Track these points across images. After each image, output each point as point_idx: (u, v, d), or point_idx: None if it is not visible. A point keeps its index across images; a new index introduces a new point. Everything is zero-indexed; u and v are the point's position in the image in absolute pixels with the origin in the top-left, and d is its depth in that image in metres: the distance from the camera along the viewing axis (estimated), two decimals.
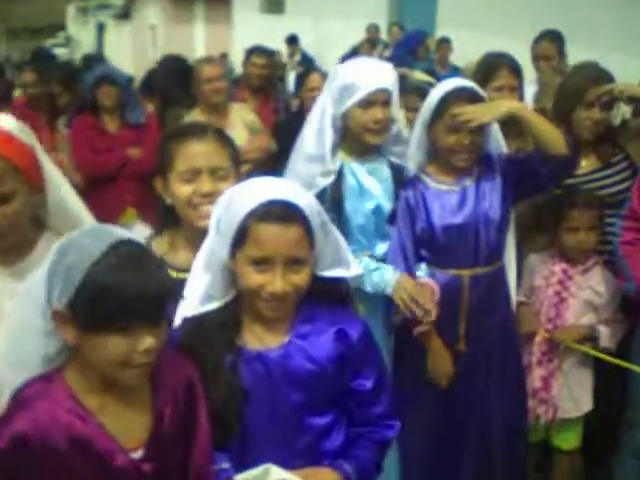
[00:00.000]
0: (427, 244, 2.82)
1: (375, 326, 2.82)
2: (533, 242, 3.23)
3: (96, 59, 6.70)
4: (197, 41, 24.42)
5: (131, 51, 30.06)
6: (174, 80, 5.19)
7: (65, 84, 5.18)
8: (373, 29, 10.80)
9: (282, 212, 1.66)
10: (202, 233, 1.86)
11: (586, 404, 3.06)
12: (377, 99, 2.70)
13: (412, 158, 2.90)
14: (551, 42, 4.59)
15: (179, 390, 1.63)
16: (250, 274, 1.70)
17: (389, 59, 9.48)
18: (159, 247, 2.10)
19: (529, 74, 4.55)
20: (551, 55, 4.55)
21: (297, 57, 12.19)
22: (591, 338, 2.97)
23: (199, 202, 2.03)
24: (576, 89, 3.05)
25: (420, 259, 2.84)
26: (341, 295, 1.92)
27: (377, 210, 2.85)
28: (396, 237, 2.82)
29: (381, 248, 2.89)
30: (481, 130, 2.71)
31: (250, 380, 1.76)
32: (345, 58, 10.78)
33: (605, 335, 2.95)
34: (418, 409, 2.87)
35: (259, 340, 1.79)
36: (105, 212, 4.66)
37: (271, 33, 13.59)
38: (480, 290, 2.80)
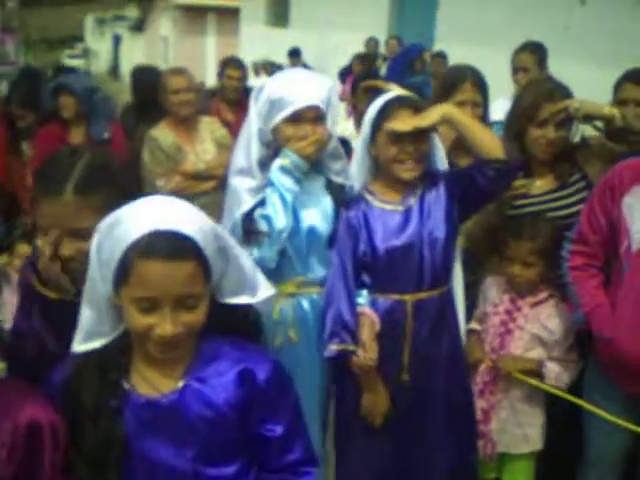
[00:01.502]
0: (369, 267, 2.65)
1: (311, 353, 2.73)
2: (489, 264, 3.04)
3: (66, 70, 6.51)
4: (208, 52, 24.55)
5: (144, 61, 30.33)
6: (147, 92, 5.05)
7: (26, 105, 4.96)
8: (372, 43, 10.69)
9: (170, 246, 1.46)
10: None
11: (536, 441, 2.84)
12: (306, 115, 2.55)
13: (355, 177, 2.75)
14: (530, 54, 4.44)
15: (18, 434, 1.46)
16: (136, 315, 1.51)
17: (386, 72, 9.47)
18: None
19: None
20: (529, 67, 4.39)
21: None
22: (537, 374, 2.75)
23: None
24: (528, 106, 2.85)
25: (361, 284, 2.67)
26: (248, 325, 1.75)
27: (311, 232, 2.69)
28: (337, 261, 2.65)
29: (318, 272, 2.72)
30: (423, 138, 2.56)
31: (136, 429, 1.59)
32: (342, 73, 10.81)
33: (552, 372, 2.72)
34: (358, 446, 2.71)
35: (150, 384, 1.61)
36: None
37: (276, 45, 13.67)
38: (425, 316, 2.62)
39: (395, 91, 4.99)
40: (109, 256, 1.50)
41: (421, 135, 2.54)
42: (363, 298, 2.63)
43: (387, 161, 2.60)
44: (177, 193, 3.92)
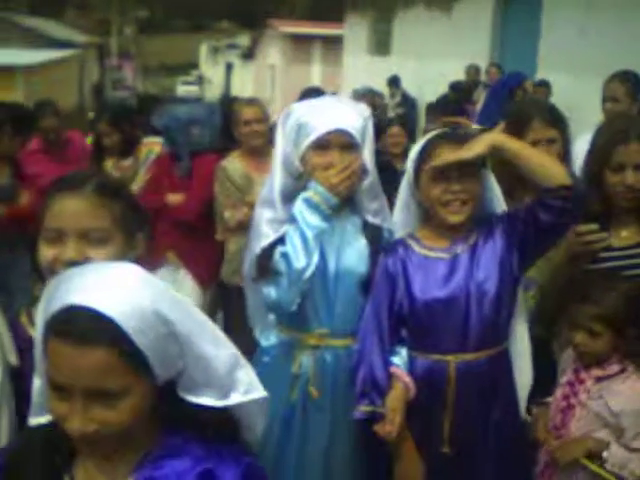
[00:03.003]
0: (407, 321, 2.32)
1: (333, 413, 2.45)
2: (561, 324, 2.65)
3: (149, 102, 6.54)
4: (313, 80, 24.75)
5: (252, 89, 31.03)
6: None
7: (114, 124, 5.01)
8: (472, 70, 10.33)
9: (83, 328, 1.17)
10: None
11: None
12: (334, 142, 2.26)
13: (399, 224, 2.45)
14: (621, 83, 4.05)
15: None
16: (51, 399, 1.24)
17: (485, 100, 9.11)
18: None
19: None
20: (619, 97, 3.99)
21: (397, 98, 11.89)
22: (598, 455, 2.24)
23: (62, 271, 1.64)
24: (601, 148, 2.46)
25: (400, 340, 2.34)
26: (219, 428, 1.37)
27: (340, 276, 2.39)
28: (371, 312, 2.34)
29: (346, 323, 2.42)
30: (471, 175, 2.22)
31: None
32: (439, 101, 10.50)
33: (615, 457, 2.21)
34: None
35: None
36: (152, 253, 4.64)
37: (377, 74, 13.54)
38: (470, 381, 2.26)
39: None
40: (40, 324, 1.26)
41: (468, 171, 2.20)
42: (400, 357, 2.31)
43: (431, 203, 2.27)
44: (244, 224, 3.74)
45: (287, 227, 2.29)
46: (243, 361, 1.38)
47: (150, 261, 4.59)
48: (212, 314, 5.53)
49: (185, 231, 4.49)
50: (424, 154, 2.26)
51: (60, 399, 1.20)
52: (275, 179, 2.37)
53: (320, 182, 2.26)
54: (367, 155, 2.37)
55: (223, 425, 1.36)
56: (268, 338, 2.54)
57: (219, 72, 44.59)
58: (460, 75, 10.44)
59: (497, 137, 2.25)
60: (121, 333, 1.18)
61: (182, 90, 49.54)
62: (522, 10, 10.45)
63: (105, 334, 1.18)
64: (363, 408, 2.27)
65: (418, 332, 2.30)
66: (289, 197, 2.34)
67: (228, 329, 4.52)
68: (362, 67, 15.90)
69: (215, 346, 1.32)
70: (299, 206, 2.27)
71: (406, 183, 2.37)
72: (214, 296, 5.26)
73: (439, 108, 10.13)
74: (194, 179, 4.50)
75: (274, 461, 2.46)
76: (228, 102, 5.67)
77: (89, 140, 5.98)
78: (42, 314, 1.25)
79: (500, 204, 2.37)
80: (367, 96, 12.83)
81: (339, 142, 2.26)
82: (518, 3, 10.64)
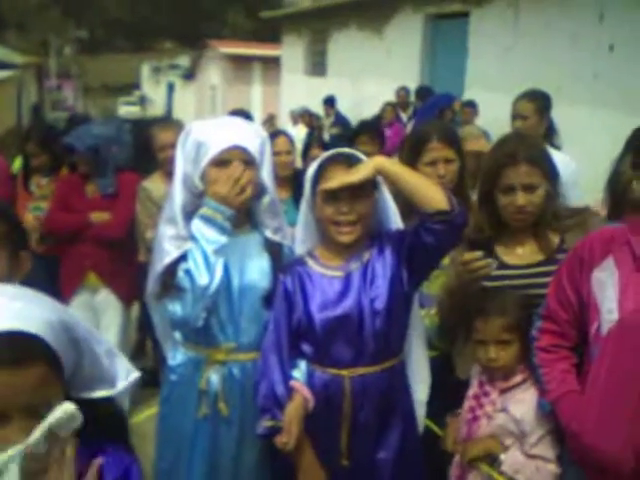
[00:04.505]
0: (306, 337, 2.38)
1: (241, 427, 2.51)
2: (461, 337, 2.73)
3: (78, 121, 6.50)
4: (254, 100, 24.86)
5: (194, 108, 30.93)
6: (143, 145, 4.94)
7: (42, 145, 5.00)
8: (402, 92, 10.54)
9: (11, 351, 1.20)
10: None
11: None
12: (232, 158, 2.33)
13: (300, 240, 2.51)
14: (529, 101, 4.20)
15: None
16: None
17: (415, 121, 9.30)
18: None
19: None
20: (527, 115, 4.14)
21: (332, 118, 12.03)
22: (495, 458, 2.34)
23: None
24: (492, 170, 2.51)
25: (301, 353, 2.41)
26: (110, 421, 1.50)
27: (244, 291, 2.45)
28: (271, 329, 2.40)
29: (251, 336, 2.49)
30: (361, 197, 2.29)
31: None
32: (372, 121, 10.67)
33: (508, 461, 2.30)
34: None
35: None
36: (67, 275, 4.62)
37: (314, 94, 13.67)
38: (366, 394, 2.32)
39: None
40: None
41: (358, 193, 2.27)
42: (299, 370, 2.37)
43: (324, 223, 2.36)
44: None
45: (189, 245, 2.34)
46: (116, 351, 1.52)
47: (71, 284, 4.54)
48: (140, 333, 5.54)
49: (107, 251, 4.48)
50: (318, 175, 2.34)
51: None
52: (176, 197, 2.41)
53: (211, 195, 2.32)
54: (265, 174, 2.44)
55: (114, 420, 1.48)
56: (174, 357, 2.57)
57: (161, 92, 44.27)
58: (392, 96, 10.65)
59: (380, 161, 2.29)
60: (46, 346, 1.24)
61: (124, 110, 49.03)
62: (450, 31, 10.73)
63: (37, 350, 1.23)
64: (265, 423, 2.33)
65: (316, 347, 2.36)
66: (190, 214, 2.38)
67: (157, 348, 4.50)
68: (299, 87, 16.06)
69: (98, 343, 1.45)
70: (196, 224, 2.32)
71: (305, 201, 2.44)
72: (139, 314, 5.27)
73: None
74: (121, 197, 4.51)
75: (185, 476, 2.52)
76: (144, 122, 5.66)
77: (18, 160, 5.93)
78: None
79: (395, 222, 2.44)
80: (304, 116, 12.99)
81: (238, 158, 2.33)
82: (446, 24, 10.92)
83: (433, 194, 2.19)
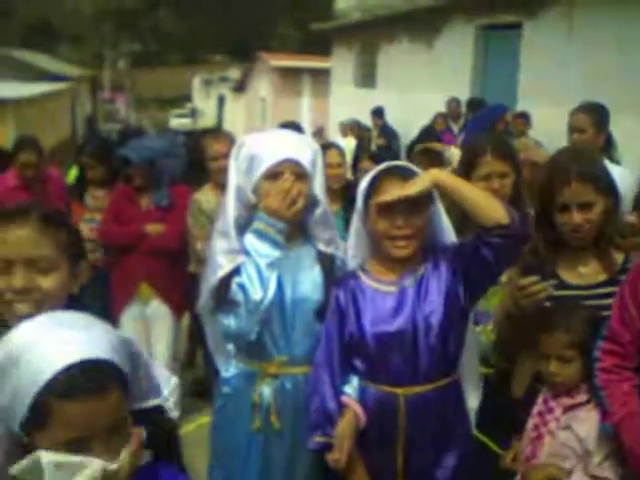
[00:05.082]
0: (358, 352, 2.35)
1: (294, 440, 2.49)
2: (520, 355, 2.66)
3: (131, 133, 6.59)
4: (303, 112, 24.96)
5: (244, 121, 31.24)
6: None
7: (97, 158, 5.09)
8: (454, 103, 10.45)
9: (92, 380, 1.25)
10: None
11: None
12: (285, 171, 2.32)
13: (352, 253, 2.48)
14: (587, 114, 4.10)
15: None
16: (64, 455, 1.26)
17: (466, 132, 9.21)
18: None
19: None
20: (585, 128, 4.05)
21: (378, 129, 12.03)
22: None
23: (12, 299, 1.69)
24: (546, 188, 2.45)
25: (353, 369, 2.38)
26: (162, 430, 1.53)
27: (297, 304, 2.44)
28: (323, 344, 2.38)
29: (304, 349, 2.47)
30: (417, 210, 2.26)
31: None
32: (423, 132, 10.62)
33: None
34: None
35: None
36: (119, 287, 4.68)
37: (363, 105, 13.66)
38: (421, 413, 2.28)
39: (453, 154, 4.74)
40: (11, 401, 1.27)
41: (413, 206, 2.24)
42: (351, 386, 2.34)
43: (378, 236, 2.33)
44: None
45: (243, 258, 2.33)
46: (151, 359, 1.58)
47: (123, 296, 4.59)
48: (191, 343, 5.57)
49: (159, 262, 4.53)
50: (371, 188, 2.31)
51: (76, 450, 1.25)
52: (229, 210, 2.41)
53: (263, 209, 2.32)
54: (317, 186, 2.43)
55: (166, 429, 1.55)
56: (228, 369, 2.58)
57: (211, 104, 44.86)
58: (443, 107, 10.57)
59: (438, 174, 2.27)
60: (117, 368, 1.30)
61: (175, 122, 49.84)
62: (502, 43, 10.60)
63: (112, 374, 1.28)
64: (316, 438, 2.31)
65: (368, 363, 2.33)
66: (244, 228, 2.39)
67: (207, 360, 4.52)
68: (349, 99, 16.04)
69: (147, 357, 1.50)
70: (249, 238, 2.33)
71: (357, 215, 2.42)
72: (190, 324, 5.30)
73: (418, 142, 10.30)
74: (175, 208, 4.55)
75: None
76: (196, 135, 5.73)
77: (73, 171, 6.04)
78: (9, 392, 1.26)
79: (449, 236, 2.41)
80: (353, 128, 12.99)
81: (290, 171, 2.32)
82: (498, 37, 10.79)
83: (492, 207, 2.16)
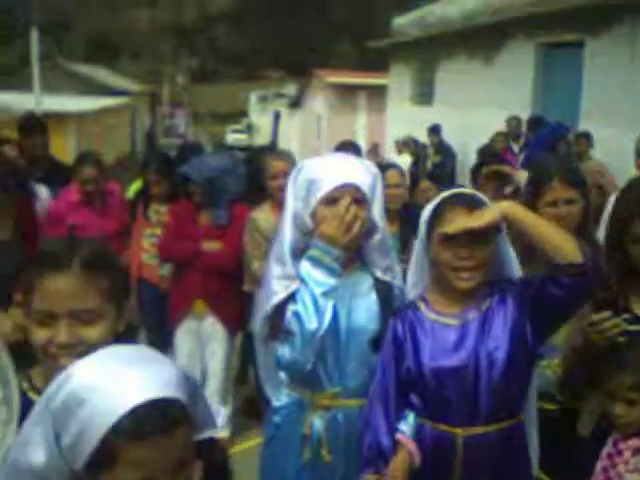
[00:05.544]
0: (416, 388, 2.24)
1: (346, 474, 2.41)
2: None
3: (191, 149, 6.63)
4: (358, 129, 24.95)
5: (299, 137, 31.40)
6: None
7: (162, 174, 5.15)
8: (514, 122, 10.27)
9: (160, 420, 1.22)
10: None
11: None
12: (343, 196, 2.25)
13: (412, 282, 2.39)
14: None
15: None
16: None
17: (526, 152, 9.05)
18: (37, 379, 1.72)
19: None
20: None
21: (434, 146, 11.93)
22: None
23: (56, 353, 1.60)
24: (621, 218, 2.36)
25: (409, 404, 2.28)
26: (217, 461, 1.49)
27: (352, 334, 2.36)
28: (379, 377, 2.28)
29: (358, 381, 2.39)
30: (482, 242, 2.15)
31: None
32: (482, 150, 10.46)
33: None
34: None
35: None
36: (176, 302, 4.70)
37: (419, 123, 13.59)
38: (480, 456, 2.15)
39: (521, 177, 4.59)
40: (76, 441, 1.23)
41: (479, 238, 2.13)
42: (406, 423, 2.23)
43: (441, 268, 2.22)
44: None
45: (298, 285, 2.27)
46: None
47: (179, 311, 4.62)
48: (242, 360, 5.55)
49: (216, 280, 4.53)
50: (435, 217, 2.22)
51: None
52: (285, 235, 2.35)
53: (319, 236, 2.25)
54: (376, 211, 2.35)
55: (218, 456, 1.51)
56: (279, 398, 2.50)
57: (267, 120, 45.25)
58: (502, 125, 10.41)
59: (508, 207, 2.16)
60: (182, 404, 1.27)
61: (231, 138, 50.50)
62: (564, 61, 10.42)
63: (179, 411, 1.26)
64: (368, 476, 2.22)
65: (426, 399, 2.22)
66: (300, 254, 2.32)
67: (259, 378, 4.50)
68: (405, 116, 15.98)
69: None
70: (304, 266, 2.26)
71: (419, 243, 2.33)
72: (242, 345, 5.28)
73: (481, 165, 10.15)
74: (233, 227, 4.55)
75: None
76: (254, 153, 5.74)
77: (134, 186, 6.11)
78: (75, 433, 1.23)
79: (514, 269, 2.30)
80: (409, 145, 12.91)
81: (349, 196, 2.25)
82: (559, 55, 10.61)
83: (565, 245, 2.05)
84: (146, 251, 5.04)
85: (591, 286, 2.12)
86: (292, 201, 2.37)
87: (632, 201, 2.32)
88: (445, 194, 2.25)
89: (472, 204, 2.17)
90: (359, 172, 2.31)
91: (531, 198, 2.76)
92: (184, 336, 4.64)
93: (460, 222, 2.12)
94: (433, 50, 14.59)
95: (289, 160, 4.38)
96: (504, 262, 2.28)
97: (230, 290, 4.57)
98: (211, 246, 4.55)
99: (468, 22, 13.07)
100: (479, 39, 12.49)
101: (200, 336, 4.65)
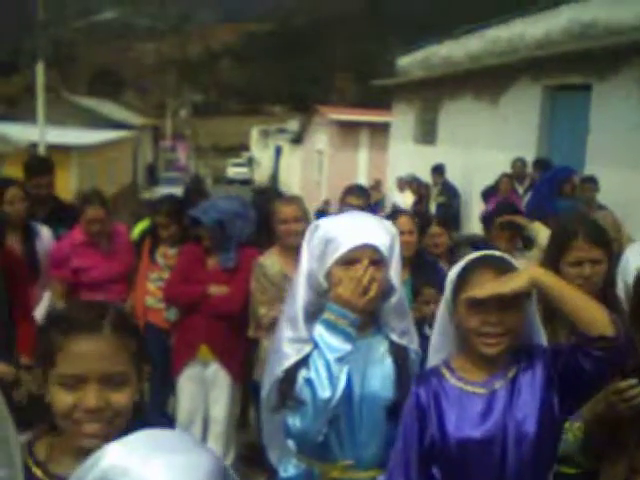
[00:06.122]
0: (439, 459, 2.11)
1: None
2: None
3: (200, 192, 6.58)
4: (360, 166, 25.02)
5: (300, 172, 31.48)
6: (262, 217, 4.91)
7: (171, 216, 5.08)
8: (519, 163, 10.21)
9: None
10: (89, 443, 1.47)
11: None
12: (361, 257, 2.16)
13: (435, 346, 2.27)
14: None
15: None
16: None
17: (532, 195, 8.99)
18: (39, 452, 1.63)
19: None
20: None
21: (439, 187, 11.88)
22: None
23: (81, 418, 1.53)
24: None
25: (431, 478, 2.13)
26: None
27: (366, 402, 2.25)
28: (400, 447, 2.15)
29: (372, 452, 2.27)
30: (511, 308, 2.04)
31: None
32: (485, 192, 10.42)
33: None
34: None
35: None
36: (180, 347, 4.59)
37: (422, 162, 13.58)
38: None
39: (535, 228, 4.52)
40: None
41: (508, 303, 2.03)
42: None
43: (467, 333, 2.11)
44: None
45: (310, 349, 2.17)
46: None
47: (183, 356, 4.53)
48: (243, 410, 5.42)
49: (221, 325, 4.43)
50: (461, 280, 2.11)
51: None
52: (298, 296, 2.26)
53: (334, 298, 2.16)
54: (393, 272, 2.26)
55: None
56: (286, 468, 2.37)
57: (268, 155, 45.49)
58: (506, 167, 10.37)
59: (538, 274, 2.05)
60: None
61: (232, 171, 50.75)
62: (570, 104, 10.41)
63: None
64: None
65: (449, 472, 2.10)
66: (313, 315, 2.22)
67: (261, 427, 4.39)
68: (408, 155, 15.98)
69: None
70: (318, 330, 2.16)
71: (444, 306, 2.22)
72: (245, 392, 5.15)
73: (485, 198, 10.12)
74: (240, 271, 4.47)
75: None
76: (262, 195, 5.69)
77: (140, 226, 6.04)
78: None
79: (541, 335, 2.19)
80: (412, 184, 12.87)
81: (367, 257, 2.16)
82: (566, 97, 10.61)
83: (597, 316, 1.95)
84: (152, 294, 4.94)
85: (623, 359, 2.02)
86: (307, 260, 2.27)
87: None
88: (472, 256, 2.16)
89: (501, 267, 2.07)
90: (377, 232, 2.22)
91: (554, 256, 2.68)
92: (187, 382, 4.53)
93: (488, 286, 2.02)
94: (437, 89, 14.62)
95: (299, 205, 4.32)
96: (532, 329, 2.17)
97: (235, 336, 4.46)
98: (218, 290, 4.46)
99: (474, 64, 13.11)
100: (484, 80, 12.50)
101: (204, 382, 4.54)
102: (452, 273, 2.17)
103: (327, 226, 2.26)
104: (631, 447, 2.19)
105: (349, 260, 2.16)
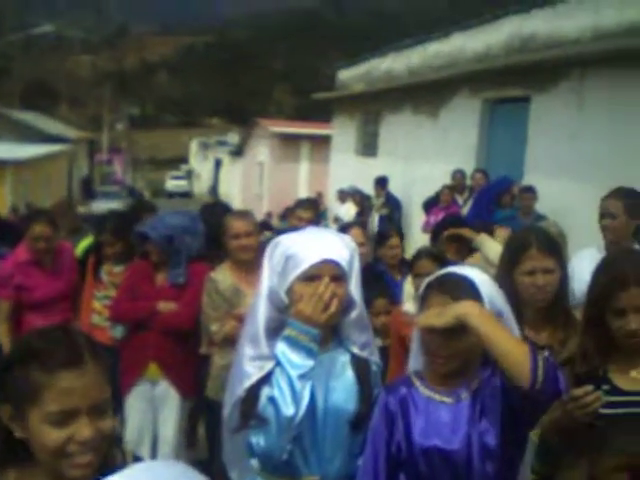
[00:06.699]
0: (405, 467, 2.12)
1: None
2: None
3: (146, 208, 6.48)
4: (300, 178, 25.10)
5: (240, 184, 31.38)
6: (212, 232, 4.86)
7: (117, 234, 4.98)
8: (459, 175, 10.40)
9: None
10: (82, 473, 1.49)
11: None
12: (322, 273, 2.17)
13: (413, 354, 2.30)
14: (617, 199, 3.94)
15: None
16: None
17: (472, 205, 9.15)
18: None
19: None
20: (616, 213, 3.89)
21: (382, 198, 11.97)
22: None
23: (75, 451, 1.51)
24: (602, 292, 2.33)
25: None
26: None
27: (329, 416, 2.23)
28: (369, 454, 2.16)
29: (337, 467, 2.24)
30: (457, 333, 2.04)
31: None
32: (427, 203, 10.57)
33: None
34: None
35: None
36: (128, 365, 4.49)
37: (364, 174, 13.68)
38: None
39: (485, 242, 4.57)
40: None
41: (452, 329, 2.03)
42: None
43: (424, 352, 2.17)
44: (231, 338, 3.60)
45: (272, 366, 2.15)
46: None
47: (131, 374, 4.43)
48: (192, 427, 5.33)
49: (170, 342, 4.36)
50: (422, 299, 2.18)
51: None
52: (259, 313, 2.24)
53: (295, 314, 2.15)
54: (353, 286, 2.27)
55: None
56: None
57: (208, 167, 45.21)
58: (446, 179, 10.53)
59: (466, 311, 2.02)
60: None
61: (171, 184, 50.20)
62: (509, 115, 10.63)
63: None
64: None
65: None
66: (275, 331, 2.21)
67: (212, 443, 4.30)
68: (349, 167, 16.08)
69: None
70: (280, 347, 2.15)
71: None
72: (195, 409, 5.07)
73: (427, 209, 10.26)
74: (190, 287, 4.41)
75: None
76: (210, 210, 5.64)
77: (82, 244, 5.91)
78: None
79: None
80: (354, 196, 12.94)
81: (329, 273, 2.17)
82: (505, 109, 10.84)
83: (517, 367, 1.92)
84: (98, 313, 4.84)
85: (545, 407, 2.03)
86: (268, 277, 2.26)
87: (611, 278, 2.30)
88: (438, 275, 2.19)
89: (454, 294, 2.08)
90: (337, 248, 2.22)
91: (508, 266, 2.72)
92: (135, 401, 4.42)
93: (426, 315, 2.08)
94: (378, 103, 14.77)
95: (250, 219, 4.28)
96: None
97: (185, 352, 4.40)
98: (167, 306, 4.39)
99: (414, 77, 13.29)
100: (425, 93, 12.69)
101: (152, 401, 4.45)
102: (421, 289, 2.20)
103: (288, 242, 2.25)
104: (590, 454, 2.22)
105: (310, 276, 2.16)
